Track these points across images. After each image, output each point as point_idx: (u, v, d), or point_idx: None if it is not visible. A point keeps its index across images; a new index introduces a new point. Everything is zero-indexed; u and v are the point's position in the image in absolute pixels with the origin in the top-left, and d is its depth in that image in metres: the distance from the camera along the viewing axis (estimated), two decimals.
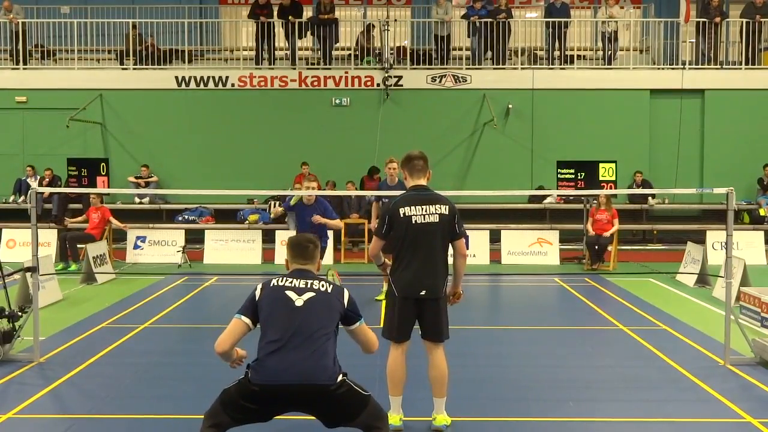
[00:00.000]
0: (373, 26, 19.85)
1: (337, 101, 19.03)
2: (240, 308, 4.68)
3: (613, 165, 16.14)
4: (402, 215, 5.84)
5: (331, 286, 4.74)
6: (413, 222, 5.82)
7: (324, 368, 4.45)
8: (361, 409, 4.56)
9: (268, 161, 18.85)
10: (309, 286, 4.66)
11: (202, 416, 4.67)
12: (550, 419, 6.37)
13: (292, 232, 17.22)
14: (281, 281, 4.69)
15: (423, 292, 5.84)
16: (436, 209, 5.86)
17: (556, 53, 19.41)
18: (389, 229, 5.90)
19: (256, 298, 4.66)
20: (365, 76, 19.04)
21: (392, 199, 6.10)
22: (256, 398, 4.47)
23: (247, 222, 17.73)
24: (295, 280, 4.69)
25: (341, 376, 4.52)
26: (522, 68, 19.25)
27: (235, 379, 4.64)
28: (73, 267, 14.76)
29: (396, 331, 5.93)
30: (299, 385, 4.39)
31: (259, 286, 4.73)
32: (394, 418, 5.85)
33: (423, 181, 6.02)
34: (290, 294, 4.60)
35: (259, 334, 4.65)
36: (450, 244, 5.95)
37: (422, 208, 5.84)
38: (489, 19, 19.07)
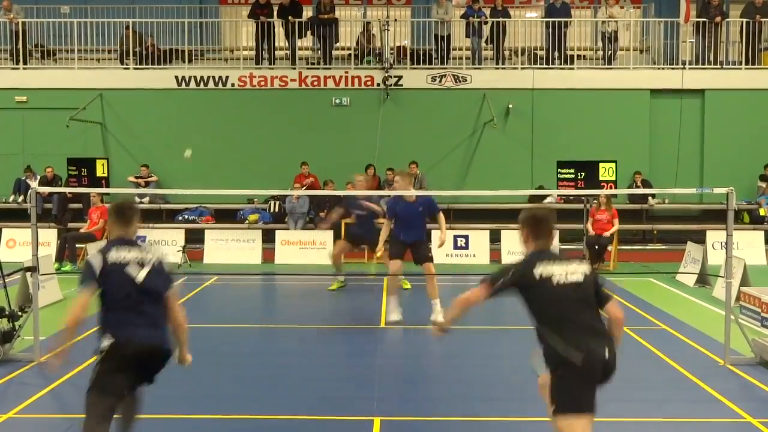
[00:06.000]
0: (373, 26, 19.86)
1: (337, 101, 19.02)
2: (83, 281, 4.80)
3: (613, 165, 16.10)
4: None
5: (156, 253, 4.90)
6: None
7: (162, 334, 4.83)
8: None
9: (268, 161, 18.83)
10: (141, 259, 4.80)
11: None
12: (549, 419, 6.35)
13: (293, 232, 17.36)
14: (118, 259, 4.78)
15: None
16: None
17: (556, 53, 19.39)
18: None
19: (97, 274, 4.77)
20: (365, 76, 19.03)
21: None
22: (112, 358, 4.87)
23: (247, 222, 17.74)
24: (127, 253, 4.80)
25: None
26: (522, 68, 19.24)
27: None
28: (67, 267, 14.72)
29: None
30: (148, 346, 4.79)
31: (97, 260, 4.78)
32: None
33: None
34: (130, 271, 4.75)
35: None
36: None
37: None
38: (491, 19, 19.09)
